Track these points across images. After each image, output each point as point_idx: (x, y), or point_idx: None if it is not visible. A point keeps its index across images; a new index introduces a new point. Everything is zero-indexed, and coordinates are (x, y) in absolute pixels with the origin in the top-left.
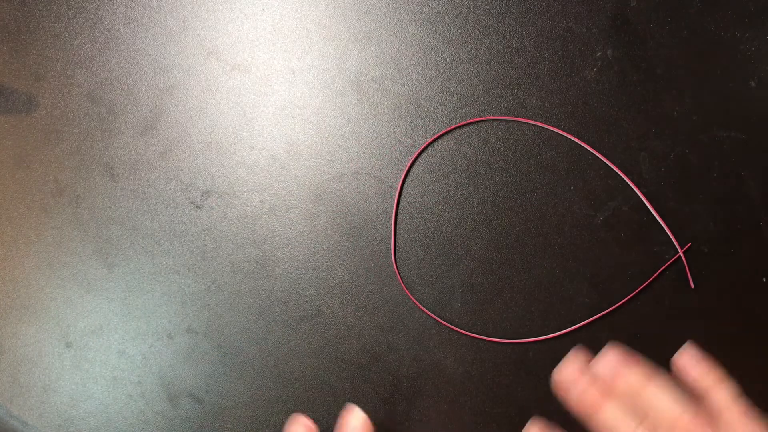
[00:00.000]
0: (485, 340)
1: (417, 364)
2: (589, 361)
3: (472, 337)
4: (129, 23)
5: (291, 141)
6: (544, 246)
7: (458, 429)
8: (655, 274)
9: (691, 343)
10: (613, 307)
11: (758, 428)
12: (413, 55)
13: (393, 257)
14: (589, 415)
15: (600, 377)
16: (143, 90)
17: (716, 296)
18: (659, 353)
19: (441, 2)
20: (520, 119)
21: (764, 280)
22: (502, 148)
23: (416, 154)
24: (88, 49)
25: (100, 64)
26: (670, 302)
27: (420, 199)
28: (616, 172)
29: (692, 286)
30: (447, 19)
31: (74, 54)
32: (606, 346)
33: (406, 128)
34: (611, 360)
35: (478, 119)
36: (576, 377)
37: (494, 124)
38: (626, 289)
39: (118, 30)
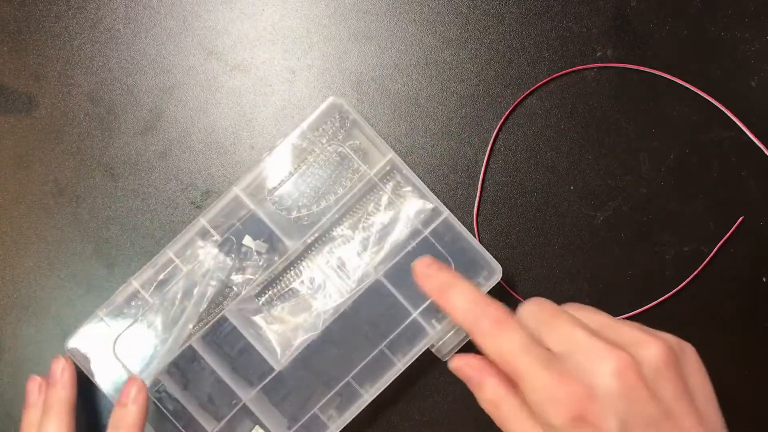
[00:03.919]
0: None
1: (417, 364)
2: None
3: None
4: (129, 23)
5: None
6: (544, 246)
7: (458, 429)
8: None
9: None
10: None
11: None
12: (413, 55)
13: None
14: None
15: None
16: (143, 90)
17: (716, 296)
18: None
19: (441, 2)
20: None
21: (764, 280)
22: (502, 149)
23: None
24: (88, 49)
25: (100, 64)
26: (671, 302)
27: None
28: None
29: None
30: (447, 19)
31: (74, 54)
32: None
33: (406, 128)
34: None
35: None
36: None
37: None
38: (626, 289)
39: (118, 30)
